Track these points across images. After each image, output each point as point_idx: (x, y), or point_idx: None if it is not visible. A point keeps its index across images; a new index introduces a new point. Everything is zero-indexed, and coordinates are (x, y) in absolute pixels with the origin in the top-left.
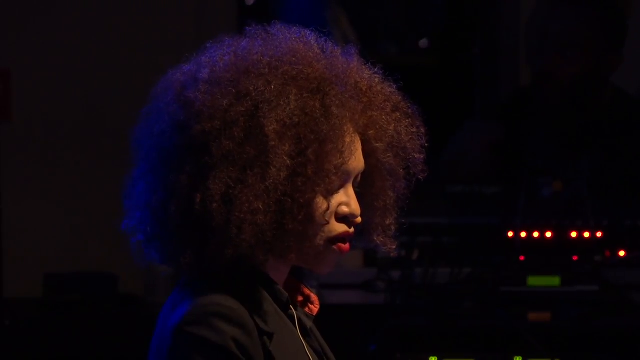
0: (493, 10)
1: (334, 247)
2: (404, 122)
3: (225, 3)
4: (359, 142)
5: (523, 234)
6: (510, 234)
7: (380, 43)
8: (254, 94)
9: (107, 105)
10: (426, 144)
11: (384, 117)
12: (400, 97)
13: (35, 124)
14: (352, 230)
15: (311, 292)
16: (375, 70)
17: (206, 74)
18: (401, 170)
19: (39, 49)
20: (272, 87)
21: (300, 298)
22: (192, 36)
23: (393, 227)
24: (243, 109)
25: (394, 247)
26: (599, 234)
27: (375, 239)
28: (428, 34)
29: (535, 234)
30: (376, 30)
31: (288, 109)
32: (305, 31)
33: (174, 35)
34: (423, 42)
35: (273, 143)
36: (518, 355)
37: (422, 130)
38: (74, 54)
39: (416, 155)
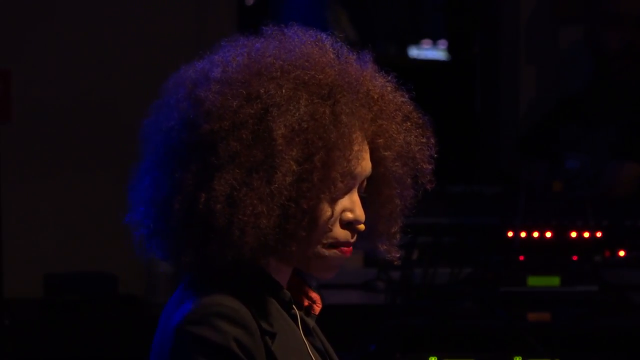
0: (493, 10)
1: (336, 250)
2: (414, 132)
3: (225, 3)
4: (367, 148)
5: (523, 234)
6: (510, 234)
7: (380, 43)
8: (264, 97)
9: (107, 105)
10: (435, 155)
11: (394, 126)
12: (411, 107)
13: (35, 124)
14: (354, 238)
15: (314, 291)
16: (389, 78)
17: (218, 73)
18: (409, 179)
19: (39, 49)
20: (283, 91)
21: (302, 298)
22: (192, 36)
23: (398, 235)
24: (252, 111)
25: (398, 255)
26: (598, 234)
27: (379, 246)
28: (428, 34)
29: (535, 234)
30: (376, 30)
31: (297, 114)
32: (322, 35)
33: (174, 35)
34: (424, 43)
35: (280, 147)
36: (518, 355)
37: (432, 140)
38: (74, 54)
39: (425, 166)
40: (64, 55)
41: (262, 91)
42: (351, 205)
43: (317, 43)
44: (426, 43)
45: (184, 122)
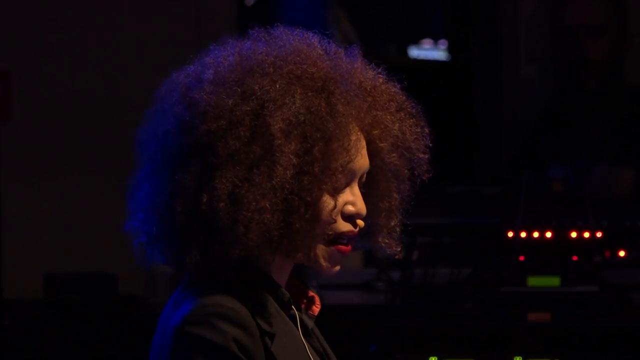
0: (493, 10)
1: (334, 248)
2: (408, 121)
3: (225, 4)
4: (364, 141)
5: (523, 234)
6: (510, 234)
7: (380, 43)
8: (259, 93)
9: (107, 105)
10: (430, 144)
11: (388, 116)
12: (404, 97)
13: (35, 124)
14: (357, 230)
15: (313, 292)
16: (379, 70)
17: (211, 74)
18: (406, 172)
19: (39, 49)
20: (277, 86)
21: (301, 298)
22: (192, 37)
23: (398, 229)
24: (249, 108)
25: (399, 249)
26: (598, 234)
27: (380, 240)
28: (428, 34)
29: (535, 234)
30: (376, 30)
31: (293, 107)
32: (308, 33)
33: (174, 36)
34: (424, 42)
35: (279, 142)
36: (518, 355)
37: (427, 130)
38: (74, 54)
39: (420, 155)
40: (64, 55)
41: (256, 88)
42: (353, 198)
43: (305, 40)
44: (426, 43)
45: (180, 126)
